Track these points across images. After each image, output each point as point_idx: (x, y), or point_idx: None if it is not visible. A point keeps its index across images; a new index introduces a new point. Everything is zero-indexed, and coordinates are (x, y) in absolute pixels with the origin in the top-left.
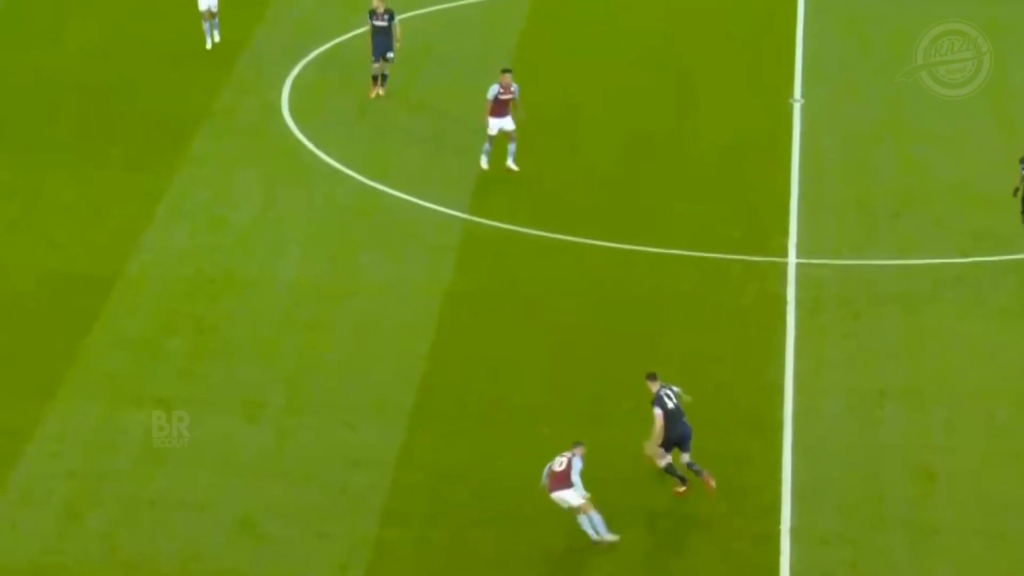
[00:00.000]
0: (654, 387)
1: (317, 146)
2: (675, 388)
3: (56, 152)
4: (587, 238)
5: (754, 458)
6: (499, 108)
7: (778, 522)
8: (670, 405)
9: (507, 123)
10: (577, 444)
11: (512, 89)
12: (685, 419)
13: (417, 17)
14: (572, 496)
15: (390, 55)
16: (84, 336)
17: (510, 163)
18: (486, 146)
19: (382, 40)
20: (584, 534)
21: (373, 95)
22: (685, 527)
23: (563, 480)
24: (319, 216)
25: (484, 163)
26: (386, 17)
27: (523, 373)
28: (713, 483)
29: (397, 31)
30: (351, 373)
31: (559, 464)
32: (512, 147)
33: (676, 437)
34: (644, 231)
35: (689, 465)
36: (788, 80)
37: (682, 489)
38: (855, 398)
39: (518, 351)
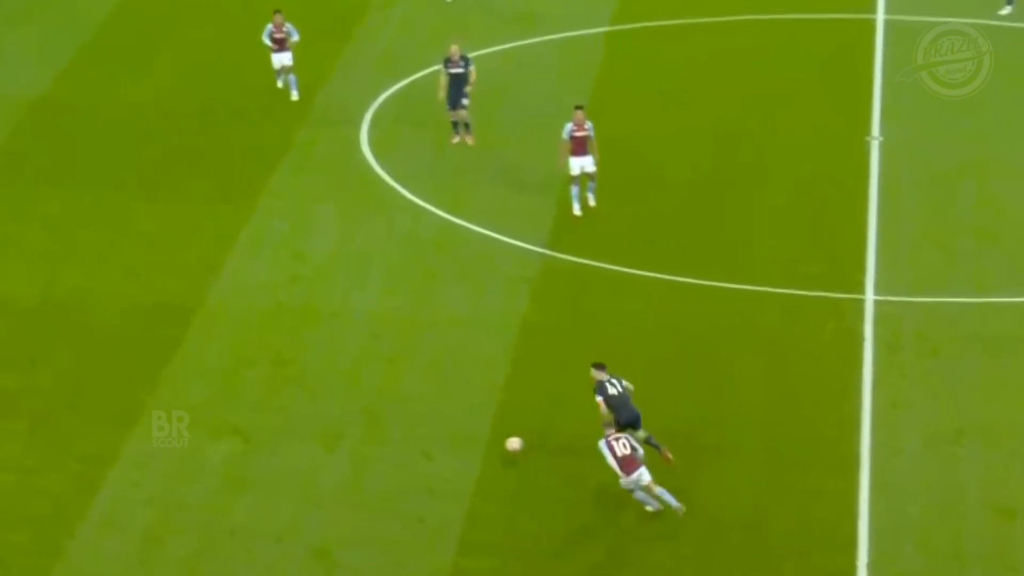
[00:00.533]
0: (600, 376)
1: (395, 180)
2: (624, 382)
3: (138, 184)
4: (663, 273)
5: (832, 494)
6: (577, 147)
7: (855, 558)
8: (612, 391)
9: (588, 163)
10: (607, 425)
11: (586, 127)
12: (631, 403)
13: (494, 53)
14: (647, 472)
15: (465, 102)
16: (164, 365)
17: (589, 197)
18: (573, 190)
19: (459, 87)
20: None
21: (455, 141)
22: (762, 562)
23: (636, 460)
24: (397, 249)
25: (576, 209)
26: (463, 63)
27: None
28: (670, 456)
29: (472, 76)
30: (429, 404)
31: (623, 447)
32: (592, 185)
33: (625, 420)
34: (721, 267)
35: (647, 440)
36: (865, 118)
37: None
38: (933, 435)
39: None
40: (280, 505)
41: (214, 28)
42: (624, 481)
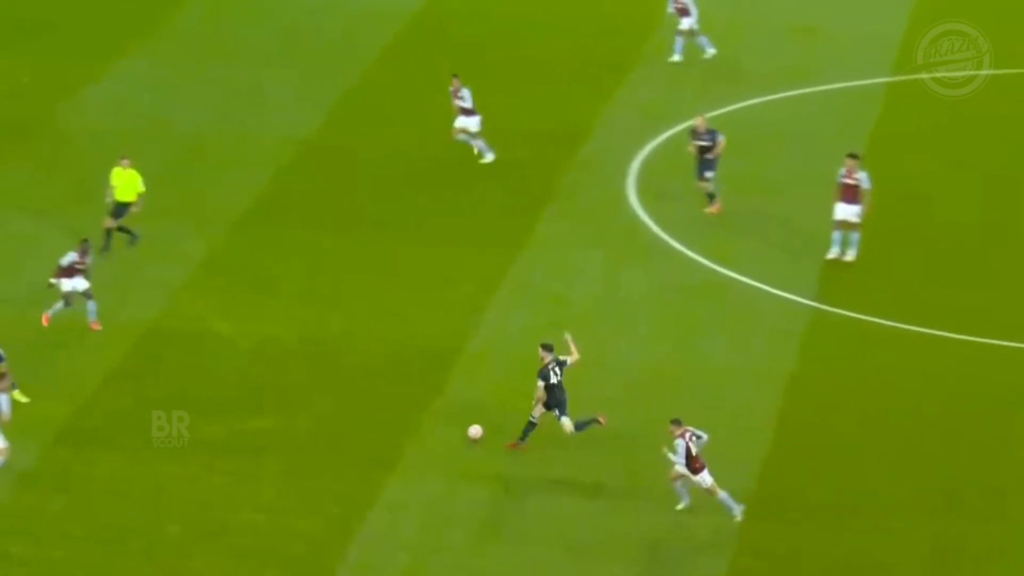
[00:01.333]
0: (546, 358)
1: (662, 228)
2: (562, 366)
3: (403, 227)
4: (938, 330)
5: None
6: (844, 193)
7: None
8: (553, 380)
9: (851, 213)
10: (677, 422)
11: (856, 176)
12: (564, 391)
13: (769, 102)
14: (708, 476)
15: (708, 175)
16: (425, 409)
17: (850, 253)
18: (835, 234)
19: (704, 160)
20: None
21: (707, 211)
22: None
23: (703, 461)
24: (661, 297)
25: (831, 253)
26: (707, 137)
27: (867, 464)
28: (604, 420)
29: (719, 148)
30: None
31: (696, 445)
32: (854, 237)
33: (555, 403)
34: (996, 323)
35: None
36: None
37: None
38: None
39: (862, 441)
40: (537, 554)
41: (479, 76)
42: (680, 473)
